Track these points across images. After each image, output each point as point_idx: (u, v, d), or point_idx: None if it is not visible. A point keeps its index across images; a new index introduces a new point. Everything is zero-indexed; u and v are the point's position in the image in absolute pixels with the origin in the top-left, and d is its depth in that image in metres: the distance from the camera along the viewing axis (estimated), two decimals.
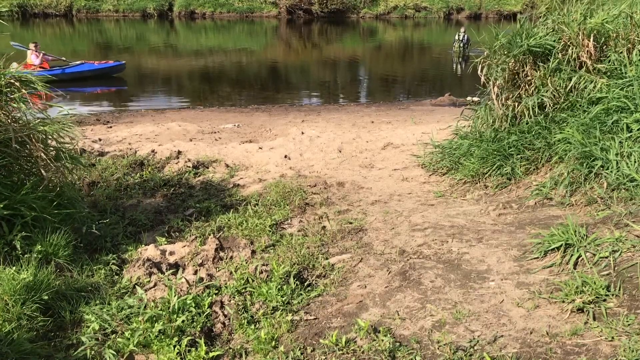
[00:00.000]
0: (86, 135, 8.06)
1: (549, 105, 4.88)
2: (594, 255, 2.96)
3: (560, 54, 4.91)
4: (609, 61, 4.62)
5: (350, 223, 4.31)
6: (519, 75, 5.14)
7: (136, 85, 14.79)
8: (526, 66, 5.05)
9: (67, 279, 3.32)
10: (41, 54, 13.74)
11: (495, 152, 4.94)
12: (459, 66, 18.11)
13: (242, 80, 15.44)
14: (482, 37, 5.49)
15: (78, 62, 14.51)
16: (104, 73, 14.61)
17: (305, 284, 3.36)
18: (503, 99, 5.23)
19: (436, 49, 22.83)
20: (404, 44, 25.81)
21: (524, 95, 5.06)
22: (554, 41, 4.95)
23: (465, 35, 18.79)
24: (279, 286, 3.22)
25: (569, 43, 4.84)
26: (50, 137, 4.02)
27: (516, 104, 5.08)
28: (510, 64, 5.12)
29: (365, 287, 3.25)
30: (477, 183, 4.95)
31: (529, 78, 5.04)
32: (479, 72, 5.47)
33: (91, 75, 14.22)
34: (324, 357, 2.61)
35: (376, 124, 9.45)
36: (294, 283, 3.29)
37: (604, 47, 4.81)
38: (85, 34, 28.65)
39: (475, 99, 6.43)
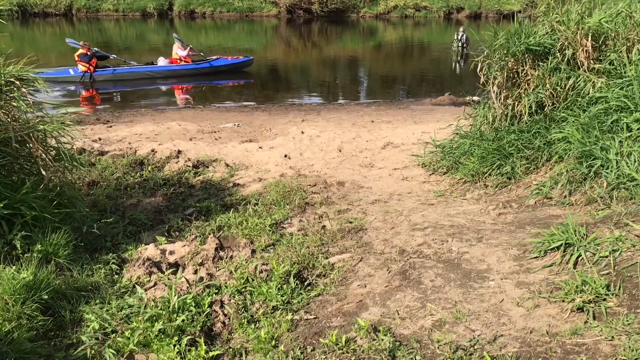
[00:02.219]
0: (86, 134, 8.06)
1: (548, 104, 4.88)
2: (594, 254, 2.96)
3: (559, 53, 4.91)
4: (610, 62, 4.62)
5: (350, 222, 4.31)
6: (518, 74, 5.14)
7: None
8: (525, 65, 5.05)
9: (67, 279, 3.32)
10: (188, 48, 14.72)
11: (495, 152, 4.95)
12: (458, 66, 18.10)
13: (242, 80, 15.46)
14: (482, 36, 5.49)
15: (214, 57, 15.35)
16: (235, 67, 15.53)
17: (305, 283, 3.37)
18: (502, 98, 5.23)
19: (436, 48, 22.83)
20: (404, 43, 25.80)
21: (523, 95, 5.06)
22: (554, 41, 4.96)
23: (465, 35, 18.78)
24: (279, 285, 3.22)
25: (567, 43, 4.84)
26: (50, 136, 4.01)
27: (516, 103, 5.08)
28: (509, 63, 5.12)
29: (365, 286, 3.25)
30: (477, 182, 4.95)
31: (528, 77, 5.04)
32: (478, 71, 5.47)
33: (225, 70, 15.14)
34: (324, 357, 2.61)
35: (376, 123, 9.45)
36: (294, 282, 3.29)
37: (603, 47, 4.80)
38: (85, 33, 28.63)
39: (475, 98, 6.43)
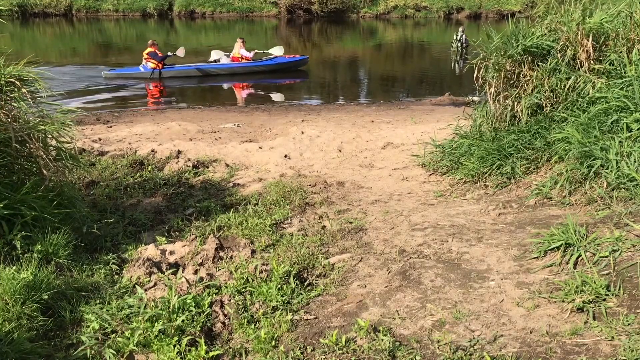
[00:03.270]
0: (86, 134, 8.06)
1: (547, 105, 4.88)
2: (594, 254, 2.96)
3: (559, 53, 4.91)
4: (610, 62, 4.62)
5: (350, 222, 4.31)
6: (517, 75, 5.14)
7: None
8: (524, 66, 5.05)
9: (67, 279, 3.32)
10: (252, 53, 15.43)
11: (495, 152, 4.95)
12: (458, 66, 18.11)
13: (242, 80, 15.51)
14: (480, 38, 5.49)
15: (273, 56, 15.88)
16: (292, 66, 16.09)
17: (305, 283, 3.37)
18: (501, 98, 5.23)
19: (436, 48, 22.83)
20: (404, 43, 25.80)
21: (522, 95, 5.06)
22: (553, 41, 4.96)
23: (464, 36, 18.77)
24: (279, 286, 3.22)
25: (567, 43, 4.84)
26: (50, 136, 4.01)
27: (515, 103, 5.08)
28: (507, 64, 5.11)
29: (365, 286, 3.25)
30: (477, 182, 4.95)
31: (526, 78, 5.04)
32: (474, 73, 5.47)
33: (282, 68, 15.72)
34: (324, 357, 2.61)
35: (376, 123, 9.45)
36: (294, 282, 3.29)
37: (603, 47, 4.80)
38: (85, 33, 28.65)
39: (475, 98, 6.43)
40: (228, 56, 15.60)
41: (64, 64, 17.17)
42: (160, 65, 14.55)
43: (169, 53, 15.03)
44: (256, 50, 15.55)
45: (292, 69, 16.22)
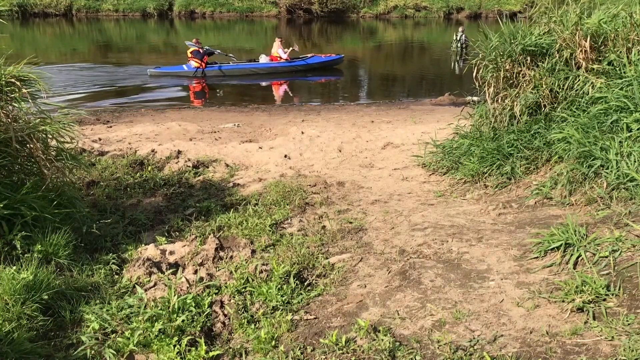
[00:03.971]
0: (86, 134, 8.05)
1: (545, 105, 4.88)
2: (594, 254, 2.96)
3: (557, 53, 4.91)
4: (609, 62, 4.62)
5: (350, 222, 4.31)
6: (516, 75, 5.14)
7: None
8: (523, 66, 5.05)
9: (67, 279, 3.32)
10: (289, 50, 15.94)
11: (494, 152, 4.95)
12: (457, 66, 18.11)
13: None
14: (478, 41, 5.49)
15: (310, 55, 16.57)
16: (328, 65, 16.60)
17: (305, 283, 3.37)
18: (500, 98, 5.23)
19: (436, 48, 22.82)
20: (404, 43, 25.80)
21: (522, 95, 5.06)
22: (552, 41, 4.96)
23: (464, 35, 18.77)
24: (279, 286, 3.22)
25: (564, 44, 4.84)
26: (50, 136, 4.01)
27: (515, 103, 5.08)
28: (505, 64, 5.11)
29: (365, 286, 3.25)
30: (477, 182, 4.95)
31: (525, 78, 5.04)
32: (474, 74, 5.47)
33: (318, 67, 16.22)
34: (324, 357, 2.61)
35: (376, 123, 9.45)
36: (294, 283, 3.29)
37: (602, 47, 4.80)
38: (85, 33, 28.65)
39: (475, 98, 6.43)
40: (267, 55, 16.16)
41: (107, 63, 18.02)
42: (203, 64, 14.95)
43: (212, 50, 15.50)
44: (292, 48, 16.09)
45: (327, 68, 16.75)
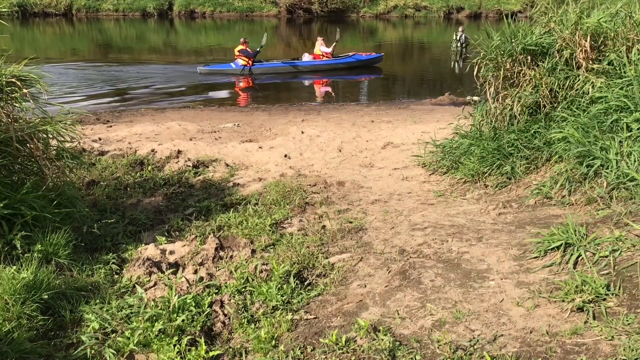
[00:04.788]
0: (86, 134, 8.05)
1: (545, 104, 4.88)
2: (594, 254, 2.96)
3: (557, 53, 4.91)
4: (609, 62, 4.62)
5: (350, 222, 4.31)
6: (517, 74, 5.14)
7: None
8: (523, 65, 5.05)
9: (67, 278, 3.32)
10: (333, 45, 16.56)
11: (494, 151, 4.95)
12: (457, 65, 18.10)
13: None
14: (479, 38, 5.48)
15: (351, 54, 17.00)
16: (368, 63, 17.00)
17: (305, 283, 3.37)
18: (500, 98, 5.23)
19: (436, 48, 22.81)
20: (404, 43, 25.79)
21: (522, 94, 5.06)
22: (552, 41, 4.95)
23: (464, 35, 18.76)
24: (279, 285, 3.23)
25: (564, 44, 4.84)
26: (51, 136, 4.01)
27: (515, 102, 5.08)
28: (506, 63, 5.11)
29: (365, 286, 3.25)
30: (477, 182, 4.95)
31: (526, 77, 5.04)
32: (474, 72, 5.47)
33: (359, 65, 16.60)
34: (324, 357, 2.61)
35: (376, 123, 9.45)
36: (294, 282, 3.29)
37: (602, 47, 4.80)
38: (85, 33, 28.65)
39: (475, 98, 6.43)
40: (310, 54, 16.72)
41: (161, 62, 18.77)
42: (250, 62, 15.55)
43: (258, 49, 15.89)
44: (334, 44, 16.55)
45: (368, 66, 17.10)
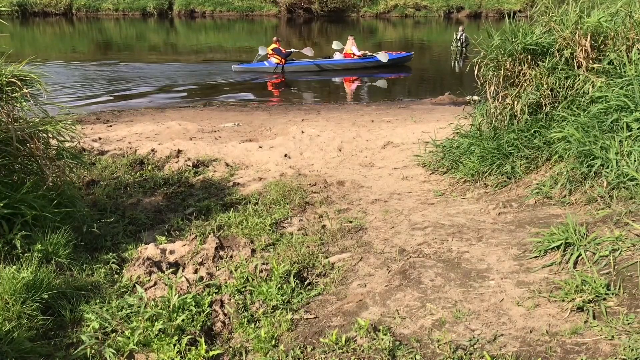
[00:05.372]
0: (86, 134, 8.05)
1: (545, 104, 4.88)
2: (594, 254, 2.96)
3: (557, 53, 4.91)
4: (609, 61, 4.61)
5: (350, 222, 4.31)
6: (517, 74, 5.13)
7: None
8: (523, 65, 5.05)
9: (67, 278, 3.32)
10: (361, 52, 16.83)
11: (494, 151, 4.95)
12: (458, 65, 18.10)
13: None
14: (479, 37, 5.48)
15: (381, 53, 16.96)
16: (397, 62, 17.25)
17: (305, 282, 3.37)
18: (501, 97, 5.23)
19: (436, 48, 22.80)
20: (404, 42, 25.76)
21: (522, 94, 5.05)
22: (553, 40, 4.95)
23: (464, 35, 18.75)
24: (279, 285, 3.23)
25: (564, 43, 4.83)
26: (51, 135, 4.01)
27: (515, 102, 5.08)
28: (506, 63, 5.11)
29: (365, 286, 3.25)
30: (477, 182, 4.95)
31: (526, 77, 5.04)
32: (475, 72, 5.46)
33: (389, 64, 16.66)
34: (324, 356, 2.61)
35: (376, 122, 9.45)
36: (294, 282, 3.29)
37: (602, 46, 4.80)
38: (85, 32, 28.65)
39: (475, 97, 6.43)
40: (341, 52, 17.00)
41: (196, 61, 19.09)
42: (283, 60, 15.98)
43: (292, 49, 16.58)
44: (366, 52, 16.91)
45: (396, 65, 17.26)
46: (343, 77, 16.49)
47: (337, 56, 16.89)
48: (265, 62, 16.15)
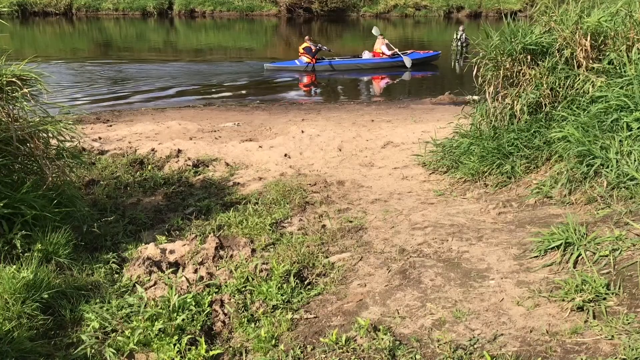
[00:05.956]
0: (86, 133, 8.04)
1: (545, 103, 4.88)
2: (594, 253, 2.96)
3: (557, 52, 4.91)
4: (609, 61, 4.61)
5: (350, 222, 4.31)
6: (517, 74, 5.13)
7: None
8: (523, 65, 5.04)
9: (67, 278, 3.32)
10: (392, 51, 17.03)
11: (494, 151, 4.94)
12: (458, 65, 18.10)
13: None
14: (479, 37, 5.48)
15: (409, 51, 17.45)
16: (426, 61, 17.57)
17: (305, 282, 3.37)
18: (500, 97, 5.23)
19: (436, 47, 22.78)
20: (404, 42, 25.75)
21: (522, 94, 5.05)
22: (553, 40, 4.95)
23: (464, 34, 18.75)
24: (279, 285, 3.23)
25: (564, 43, 4.83)
26: (51, 135, 4.01)
27: (515, 102, 5.08)
28: (506, 62, 5.11)
29: (365, 285, 3.25)
30: (477, 182, 4.95)
31: (526, 77, 5.04)
32: (474, 72, 5.46)
33: (416, 62, 16.97)
34: (324, 356, 2.61)
35: (376, 122, 9.44)
36: (294, 282, 3.29)
37: (602, 46, 4.80)
38: (85, 32, 28.64)
39: (475, 97, 6.42)
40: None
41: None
42: (314, 59, 16.28)
43: (319, 45, 16.60)
44: (396, 51, 17.01)
45: (424, 63, 17.57)
46: (372, 75, 16.73)
47: (366, 55, 17.10)
48: (296, 61, 16.45)
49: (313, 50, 16.16)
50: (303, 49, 16.25)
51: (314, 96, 14.28)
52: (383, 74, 16.76)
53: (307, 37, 16.57)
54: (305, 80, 15.93)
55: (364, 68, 16.95)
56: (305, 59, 16.29)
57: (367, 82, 16.39)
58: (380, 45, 17.01)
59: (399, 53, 16.97)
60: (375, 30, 17.54)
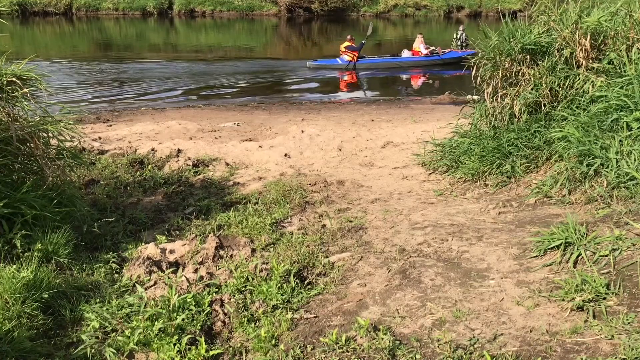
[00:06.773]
0: (86, 133, 8.04)
1: (545, 103, 4.88)
2: (594, 253, 2.96)
3: (557, 52, 4.91)
4: (609, 61, 4.61)
5: (350, 221, 4.31)
6: (516, 73, 5.13)
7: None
8: (522, 65, 5.04)
9: (67, 278, 3.32)
10: (429, 50, 17.53)
11: (494, 150, 4.94)
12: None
13: (243, 78, 15.76)
14: (478, 40, 5.48)
15: (447, 50, 17.80)
16: (461, 60, 17.02)
17: (305, 282, 3.37)
18: (499, 97, 5.23)
19: (436, 47, 22.76)
20: (404, 42, 25.75)
21: (521, 94, 5.05)
22: (552, 40, 4.95)
23: (464, 34, 18.76)
24: (279, 284, 3.23)
25: (564, 42, 4.83)
26: (51, 135, 4.01)
27: (514, 102, 5.08)
28: (505, 63, 5.11)
29: (365, 285, 3.25)
30: (477, 181, 4.95)
31: (525, 77, 5.04)
32: (472, 72, 5.46)
33: (453, 62, 17.16)
34: (324, 356, 2.61)
35: (376, 122, 9.44)
36: (294, 281, 3.29)
37: (602, 46, 4.80)
38: (85, 32, 28.65)
39: (475, 97, 6.42)
40: (409, 50, 17.78)
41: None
42: (355, 58, 16.59)
43: (363, 41, 17.04)
44: (432, 48, 17.59)
45: (460, 62, 17.75)
46: (410, 74, 17.14)
47: (405, 54, 17.48)
48: (337, 59, 16.78)
49: (356, 46, 16.44)
50: (345, 47, 16.52)
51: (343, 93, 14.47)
52: (420, 72, 17.18)
53: (348, 37, 16.80)
54: (347, 78, 16.15)
55: (403, 66, 17.29)
56: (347, 57, 16.57)
57: (405, 79, 16.77)
58: (419, 44, 17.45)
59: (436, 52, 17.39)
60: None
